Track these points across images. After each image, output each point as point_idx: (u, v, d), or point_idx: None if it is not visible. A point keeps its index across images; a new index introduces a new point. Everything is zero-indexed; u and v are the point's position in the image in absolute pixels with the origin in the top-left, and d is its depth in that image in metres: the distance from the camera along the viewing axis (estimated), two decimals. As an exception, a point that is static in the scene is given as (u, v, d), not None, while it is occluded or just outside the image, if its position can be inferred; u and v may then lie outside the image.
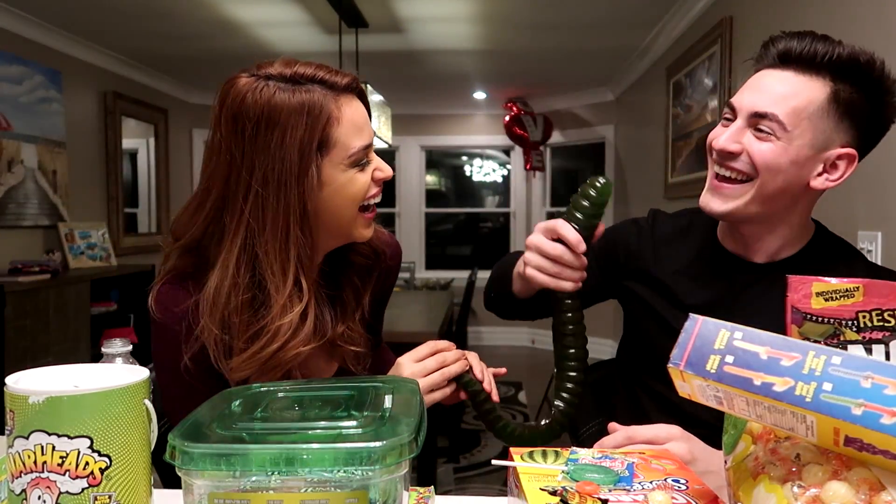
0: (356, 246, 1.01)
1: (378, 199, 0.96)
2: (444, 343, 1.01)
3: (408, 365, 0.99)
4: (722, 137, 0.98)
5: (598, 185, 0.94)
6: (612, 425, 0.93)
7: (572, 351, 0.98)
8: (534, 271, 0.95)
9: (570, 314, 0.97)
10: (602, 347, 5.70)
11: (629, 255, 1.19)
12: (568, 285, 0.94)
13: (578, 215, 0.93)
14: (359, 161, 0.91)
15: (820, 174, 0.97)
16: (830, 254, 1.06)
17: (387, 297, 1.17)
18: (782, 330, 0.97)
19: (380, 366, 1.15)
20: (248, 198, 0.86)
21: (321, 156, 0.88)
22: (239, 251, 0.87)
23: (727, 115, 1.01)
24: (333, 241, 0.96)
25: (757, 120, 0.96)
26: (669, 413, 1.06)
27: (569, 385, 0.98)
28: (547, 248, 0.93)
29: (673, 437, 0.87)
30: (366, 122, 0.93)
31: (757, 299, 1.04)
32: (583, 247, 0.92)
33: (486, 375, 1.04)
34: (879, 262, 1.87)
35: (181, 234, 0.92)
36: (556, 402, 0.99)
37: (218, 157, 0.88)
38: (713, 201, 1.01)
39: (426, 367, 0.97)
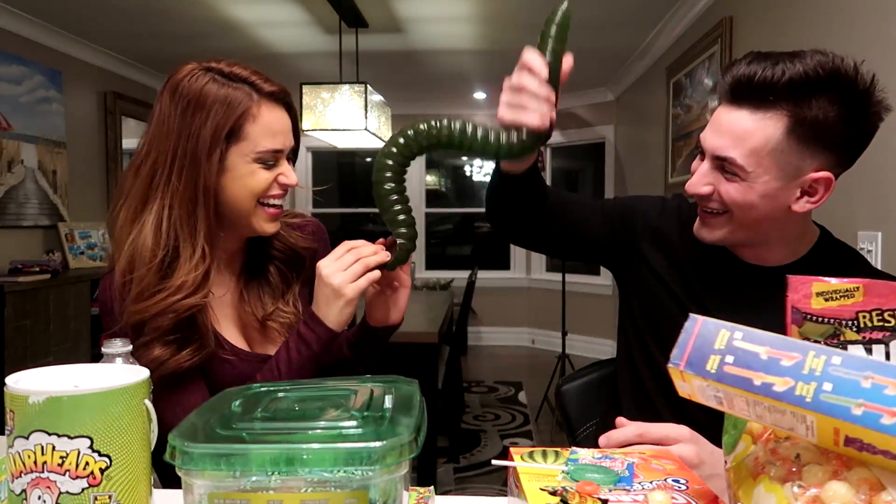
0: (272, 242, 1.13)
1: (279, 202, 1.07)
2: (359, 241, 1.03)
3: (325, 265, 1.01)
4: (692, 181, 1.02)
5: (559, 11, 0.93)
6: (621, 420, 0.93)
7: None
8: (502, 109, 0.93)
9: (525, 143, 0.91)
10: (602, 347, 5.71)
11: (648, 224, 1.17)
12: (530, 118, 0.90)
13: (546, 43, 0.92)
14: (264, 160, 1.02)
15: (799, 198, 0.98)
16: (833, 259, 1.07)
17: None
18: (777, 331, 0.99)
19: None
20: (171, 166, 0.98)
21: (230, 143, 0.99)
22: (158, 210, 0.99)
23: (699, 150, 1.03)
24: (241, 228, 1.06)
25: (721, 163, 0.98)
26: (676, 396, 1.06)
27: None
28: (513, 79, 0.92)
29: (682, 439, 0.87)
30: (282, 131, 1.04)
31: (755, 300, 1.05)
32: (545, 72, 0.90)
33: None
34: (879, 263, 1.87)
35: (123, 194, 1.02)
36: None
37: (156, 126, 1.00)
38: (702, 231, 1.06)
39: (344, 261, 1.00)
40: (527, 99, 0.90)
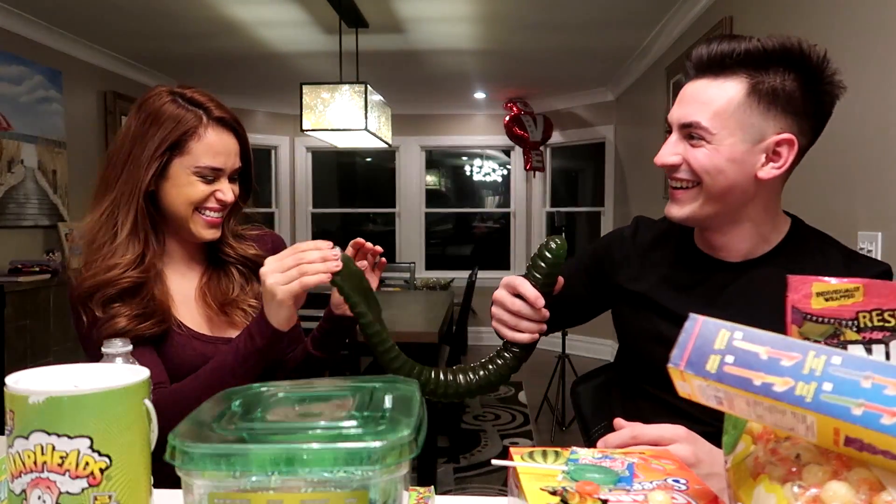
0: (226, 251, 1.27)
1: (216, 215, 1.20)
2: (311, 244, 1.05)
3: (267, 263, 1.06)
4: (661, 153, 1.06)
5: (553, 245, 1.00)
6: (618, 421, 0.93)
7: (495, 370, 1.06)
8: (497, 324, 1.05)
9: (510, 362, 1.05)
10: (602, 347, 5.71)
11: (613, 265, 1.22)
12: (524, 337, 1.03)
13: (537, 274, 1.01)
14: (203, 174, 1.16)
15: (764, 164, 1.00)
16: (805, 245, 1.08)
17: None
18: (761, 326, 0.99)
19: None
20: (122, 167, 1.16)
21: (173, 155, 1.15)
22: (108, 202, 1.17)
23: (667, 130, 1.08)
24: (184, 232, 1.21)
25: (688, 130, 1.02)
26: (669, 415, 1.06)
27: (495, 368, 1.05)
28: (507, 302, 1.02)
29: (678, 438, 0.87)
30: (225, 152, 1.18)
31: (736, 298, 1.06)
32: (541, 302, 0.99)
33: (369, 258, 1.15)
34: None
35: (96, 193, 1.18)
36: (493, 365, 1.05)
37: (120, 135, 1.19)
38: (672, 208, 1.08)
39: (284, 263, 1.04)
40: (525, 323, 1.01)
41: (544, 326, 1.02)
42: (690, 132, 1.01)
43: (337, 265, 1.01)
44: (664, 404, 1.10)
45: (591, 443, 1.29)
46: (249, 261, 1.29)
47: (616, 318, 1.25)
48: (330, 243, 1.04)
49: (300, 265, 1.02)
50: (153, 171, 1.14)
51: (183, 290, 1.23)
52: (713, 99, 0.99)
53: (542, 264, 1.00)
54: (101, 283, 1.12)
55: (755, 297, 1.04)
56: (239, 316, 1.23)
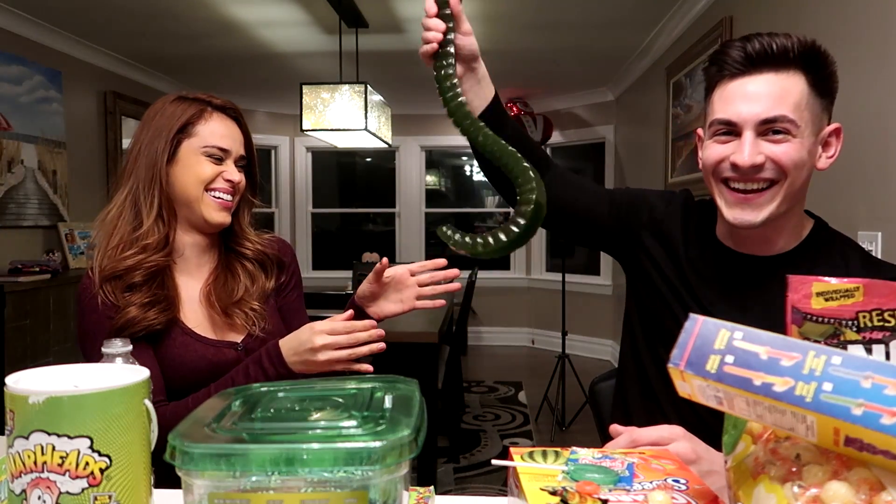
0: (243, 243, 1.30)
1: (226, 196, 1.23)
2: (361, 324, 1.15)
3: (322, 327, 1.14)
4: (745, 153, 0.98)
5: None
6: (615, 428, 0.93)
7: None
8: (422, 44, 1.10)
9: (444, 72, 1.09)
10: (602, 348, 5.71)
11: (652, 216, 1.19)
12: (426, 46, 1.09)
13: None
14: (211, 154, 1.22)
15: (820, 156, 1.03)
16: (828, 245, 1.08)
17: (290, 293, 1.38)
18: (784, 323, 0.99)
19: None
20: (137, 158, 1.22)
21: (182, 137, 1.21)
22: (127, 190, 1.22)
23: (722, 131, 1.02)
24: (195, 218, 1.23)
25: (768, 126, 0.98)
26: (686, 409, 1.06)
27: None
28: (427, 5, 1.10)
29: (676, 438, 0.87)
30: (229, 136, 1.24)
31: (761, 294, 1.05)
32: (433, 9, 1.10)
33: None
34: (879, 262, 1.87)
35: (114, 187, 1.25)
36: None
37: (134, 137, 1.25)
38: (746, 214, 1.01)
39: (338, 339, 1.13)
40: (427, 34, 1.11)
41: (438, 36, 1.10)
42: (774, 127, 0.98)
43: (379, 347, 1.15)
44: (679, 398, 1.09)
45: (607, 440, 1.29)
46: (266, 256, 1.32)
47: (638, 263, 1.20)
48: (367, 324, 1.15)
49: (352, 350, 1.13)
50: (167, 155, 1.20)
51: (188, 291, 1.25)
52: (789, 92, 0.98)
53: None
54: (129, 266, 1.16)
55: (778, 292, 1.04)
56: (241, 319, 1.25)
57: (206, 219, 1.22)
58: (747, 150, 0.98)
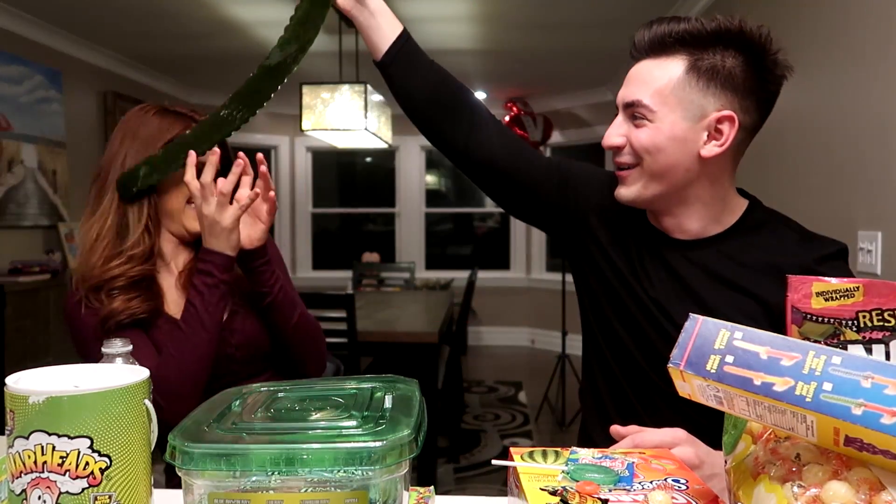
0: None
1: None
2: (209, 174, 1.15)
3: (204, 205, 1.15)
4: (606, 135, 1.06)
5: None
6: (615, 429, 0.93)
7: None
8: None
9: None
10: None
11: (600, 200, 1.17)
12: None
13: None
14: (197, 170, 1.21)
15: (707, 142, 1.01)
16: (758, 227, 1.07)
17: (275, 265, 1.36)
18: (701, 306, 1.00)
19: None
20: (126, 166, 1.21)
21: None
22: (108, 204, 1.22)
23: (616, 114, 1.08)
24: (177, 226, 1.25)
25: (631, 110, 1.03)
26: (642, 374, 1.07)
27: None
28: None
29: (679, 442, 0.87)
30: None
31: (682, 276, 1.05)
32: None
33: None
34: (879, 263, 1.87)
35: (97, 194, 1.24)
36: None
37: (111, 145, 1.26)
38: (620, 190, 1.08)
39: (207, 193, 1.14)
40: None
41: None
42: (634, 112, 1.02)
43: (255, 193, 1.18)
44: (650, 385, 1.08)
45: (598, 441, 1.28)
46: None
47: (576, 269, 1.21)
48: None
49: (227, 192, 1.14)
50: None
51: (167, 282, 1.27)
52: (655, 78, 1.01)
53: None
54: (113, 276, 1.18)
55: (707, 274, 1.04)
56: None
57: (189, 229, 1.25)
58: (608, 132, 1.06)
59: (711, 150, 1.00)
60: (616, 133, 1.05)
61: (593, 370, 1.20)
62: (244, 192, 1.17)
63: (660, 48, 1.02)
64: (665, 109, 1.00)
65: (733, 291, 1.02)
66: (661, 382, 1.04)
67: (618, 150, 1.05)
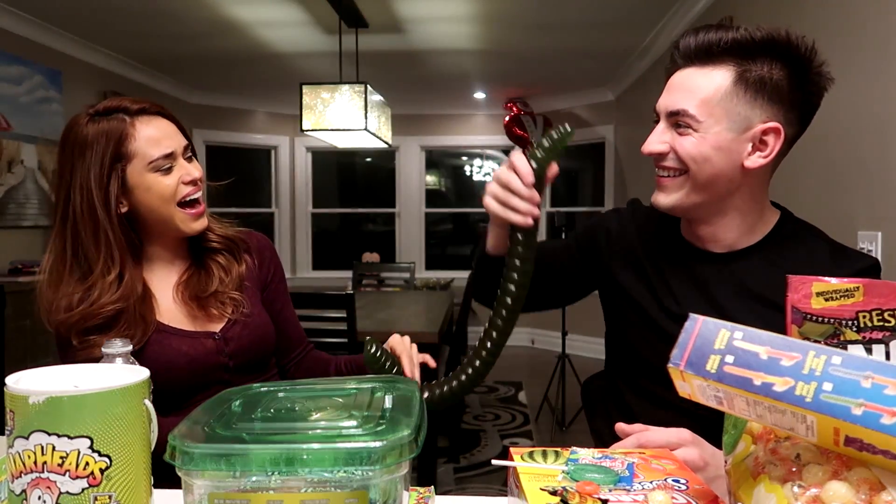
0: (208, 236, 1.26)
1: (195, 196, 1.19)
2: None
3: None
4: (648, 141, 1.06)
5: (560, 131, 0.98)
6: (620, 427, 0.93)
7: (509, 300, 0.99)
8: (488, 198, 1.00)
9: (519, 249, 0.97)
10: (602, 347, 5.69)
11: (610, 238, 1.21)
12: (516, 217, 0.96)
13: (536, 152, 0.98)
14: (159, 167, 1.15)
15: (751, 153, 1.01)
16: (791, 238, 1.07)
17: (276, 286, 1.35)
18: (741, 318, 0.99)
19: (310, 364, 1.36)
20: (69, 201, 1.14)
21: (123, 165, 1.13)
22: (63, 240, 1.15)
23: (654, 120, 1.08)
24: (172, 232, 1.20)
25: (675, 118, 1.02)
26: (661, 408, 1.06)
27: (493, 336, 0.99)
28: (500, 174, 0.98)
29: (684, 442, 0.87)
30: (164, 136, 1.16)
31: (718, 290, 1.06)
32: (531, 178, 0.96)
33: (415, 366, 1.17)
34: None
35: (54, 234, 1.17)
36: (476, 359, 1.00)
37: (57, 176, 1.17)
38: (659, 197, 1.08)
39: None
40: (515, 199, 0.95)
41: (536, 211, 0.96)
42: (678, 120, 1.02)
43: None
44: (655, 398, 1.09)
45: (593, 436, 1.29)
46: (232, 241, 1.29)
47: (603, 299, 1.24)
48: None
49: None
50: (115, 191, 1.13)
51: (162, 290, 1.22)
52: (701, 87, 1.00)
53: (546, 144, 0.97)
54: (82, 317, 1.11)
55: (737, 289, 1.05)
56: (217, 308, 1.22)
57: (185, 231, 1.20)
58: (650, 138, 1.05)
59: (756, 161, 1.00)
60: (658, 140, 1.04)
61: (618, 384, 1.21)
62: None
63: (706, 56, 1.00)
64: (711, 120, 0.99)
65: (762, 306, 1.02)
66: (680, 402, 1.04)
67: (660, 156, 1.05)
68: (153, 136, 1.15)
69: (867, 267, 1.01)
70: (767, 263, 1.04)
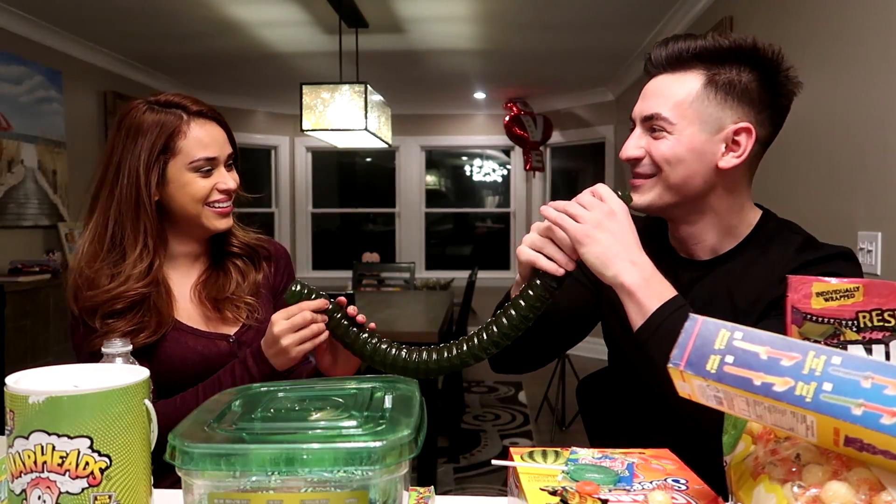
0: (230, 240, 1.30)
1: (225, 205, 1.23)
2: (313, 304, 1.09)
3: (278, 322, 1.10)
4: (625, 147, 1.09)
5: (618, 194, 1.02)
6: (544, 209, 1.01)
7: (518, 316, 1.02)
8: (523, 247, 1.02)
9: (538, 293, 0.97)
10: (602, 347, 5.68)
11: None
12: (549, 264, 0.97)
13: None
14: (199, 168, 1.19)
15: (725, 154, 1.03)
16: (770, 237, 1.08)
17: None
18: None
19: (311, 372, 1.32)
20: (118, 182, 1.18)
21: (167, 158, 1.18)
22: (105, 219, 1.19)
23: (631, 127, 1.11)
24: (196, 228, 1.23)
25: (649, 123, 1.05)
26: (659, 418, 1.07)
27: (495, 330, 1.03)
28: (542, 224, 1.01)
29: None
30: (213, 141, 1.21)
31: (701, 295, 1.07)
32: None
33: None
34: (879, 263, 1.87)
35: (91, 210, 1.22)
36: (476, 336, 1.04)
37: (106, 155, 1.21)
38: (636, 197, 1.10)
39: (294, 322, 1.08)
40: (549, 245, 0.99)
41: (571, 263, 0.98)
42: (653, 125, 1.04)
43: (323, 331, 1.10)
44: (647, 404, 1.10)
45: (593, 439, 1.30)
46: (252, 248, 1.32)
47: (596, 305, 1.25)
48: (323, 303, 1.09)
49: (312, 327, 1.08)
50: (155, 180, 1.17)
51: (180, 288, 1.26)
52: (673, 92, 1.03)
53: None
54: (111, 297, 1.15)
55: (715, 295, 1.06)
56: (232, 311, 1.25)
57: (209, 228, 1.22)
58: (627, 144, 1.08)
59: (730, 161, 1.03)
60: (635, 145, 1.07)
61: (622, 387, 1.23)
62: (308, 332, 1.10)
63: (677, 63, 1.04)
64: (684, 122, 1.02)
65: (739, 310, 1.03)
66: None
67: (636, 161, 1.08)
68: (203, 138, 1.19)
69: (835, 253, 1.02)
70: (745, 265, 1.06)
